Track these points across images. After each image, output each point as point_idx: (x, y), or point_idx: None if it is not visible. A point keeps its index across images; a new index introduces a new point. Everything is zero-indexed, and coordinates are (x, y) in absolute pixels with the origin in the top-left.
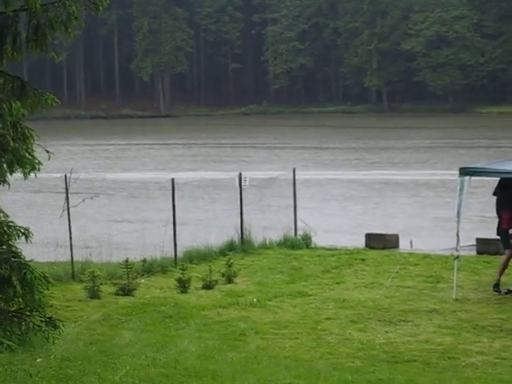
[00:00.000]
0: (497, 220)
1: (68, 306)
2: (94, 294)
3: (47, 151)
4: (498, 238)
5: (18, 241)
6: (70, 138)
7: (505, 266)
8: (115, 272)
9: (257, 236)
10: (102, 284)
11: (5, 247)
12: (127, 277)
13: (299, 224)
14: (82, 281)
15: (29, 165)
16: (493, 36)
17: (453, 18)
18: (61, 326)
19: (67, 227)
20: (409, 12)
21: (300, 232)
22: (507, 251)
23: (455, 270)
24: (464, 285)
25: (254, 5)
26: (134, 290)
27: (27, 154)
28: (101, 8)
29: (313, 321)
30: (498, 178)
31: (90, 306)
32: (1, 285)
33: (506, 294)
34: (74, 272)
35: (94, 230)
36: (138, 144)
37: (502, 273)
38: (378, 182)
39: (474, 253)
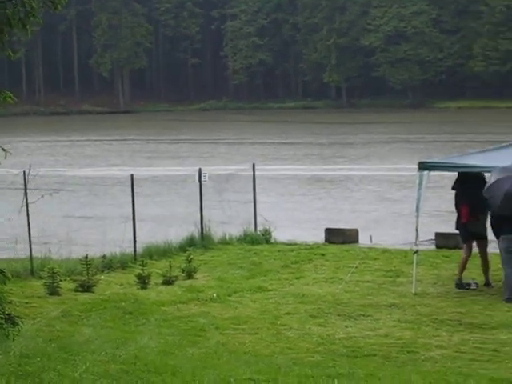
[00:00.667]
0: (455, 214)
1: (27, 303)
2: (53, 291)
3: (3, 149)
4: (457, 232)
5: None
6: (28, 134)
7: (464, 265)
8: (75, 268)
9: (217, 231)
10: (61, 280)
11: None
12: (87, 273)
13: (259, 219)
14: (41, 277)
15: None
16: (451, 31)
17: (411, 14)
18: (20, 322)
19: (26, 223)
20: (367, 7)
21: (260, 227)
22: (464, 249)
23: (414, 264)
24: (423, 279)
25: (213, 0)
26: (94, 286)
27: None
28: (59, 6)
29: (273, 316)
30: (457, 173)
31: (50, 303)
32: None
33: (474, 288)
34: (33, 268)
35: (54, 226)
36: (96, 140)
37: (462, 271)
38: (337, 177)
39: (433, 247)
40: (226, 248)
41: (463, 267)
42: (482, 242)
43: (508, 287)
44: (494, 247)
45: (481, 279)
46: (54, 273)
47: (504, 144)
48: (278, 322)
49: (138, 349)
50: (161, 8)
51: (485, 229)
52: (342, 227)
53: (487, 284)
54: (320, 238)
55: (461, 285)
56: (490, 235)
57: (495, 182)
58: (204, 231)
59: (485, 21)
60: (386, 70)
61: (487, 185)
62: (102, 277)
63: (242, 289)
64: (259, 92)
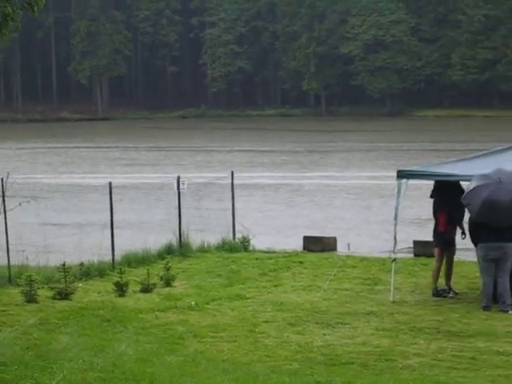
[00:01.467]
0: (433, 222)
1: (4, 311)
2: (30, 298)
3: None
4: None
5: None
6: (5, 141)
7: (438, 273)
8: (52, 276)
9: (195, 239)
10: (39, 288)
11: None
12: (64, 281)
13: (237, 227)
14: (18, 285)
15: None
16: (430, 40)
17: (390, 22)
18: None
19: (3, 230)
20: (346, 16)
21: (238, 235)
22: (437, 257)
23: (392, 272)
24: (401, 287)
25: (192, 8)
26: (72, 293)
27: None
28: (36, 9)
29: (251, 324)
30: (435, 181)
31: (27, 311)
32: None
33: (452, 297)
34: (10, 276)
35: (31, 233)
36: (74, 147)
37: (436, 280)
38: (316, 185)
39: (411, 255)
40: (204, 256)
41: (437, 275)
42: (452, 248)
43: (486, 295)
44: (473, 255)
45: (458, 287)
46: (31, 280)
47: (481, 153)
48: (256, 330)
49: (115, 356)
50: (140, 15)
51: (455, 236)
52: (320, 235)
53: (449, 290)
54: (298, 245)
55: (437, 293)
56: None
57: (474, 188)
58: (182, 239)
59: (463, 30)
60: (365, 78)
61: (466, 191)
62: (80, 284)
63: (220, 297)
64: (238, 100)
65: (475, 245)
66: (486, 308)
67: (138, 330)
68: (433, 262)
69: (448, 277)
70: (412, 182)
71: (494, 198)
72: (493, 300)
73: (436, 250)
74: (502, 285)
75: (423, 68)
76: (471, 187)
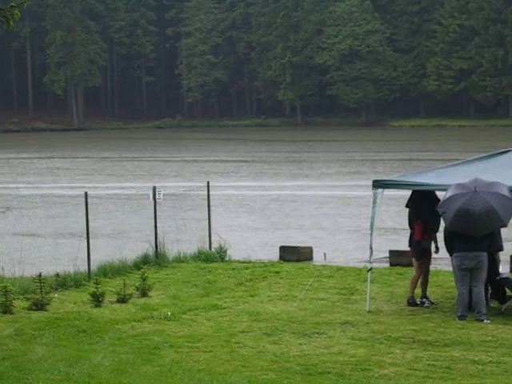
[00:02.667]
0: (409, 232)
1: None
2: (6, 309)
3: None
4: (410, 250)
5: None
6: None
7: (416, 283)
8: (28, 287)
9: (171, 249)
10: (14, 299)
11: None
12: (40, 291)
13: (214, 237)
14: None
15: None
16: (405, 50)
17: (365, 32)
18: None
19: None
20: (322, 26)
21: (215, 245)
22: (416, 267)
23: (368, 282)
24: (377, 297)
25: (167, 18)
26: (48, 304)
27: None
28: (11, 22)
29: (227, 334)
30: (411, 191)
31: (3, 321)
32: None
33: (428, 306)
34: None
35: (7, 244)
36: (49, 157)
37: (414, 289)
38: (292, 195)
39: (387, 265)
40: (180, 266)
41: (415, 285)
42: (428, 258)
43: (461, 305)
44: (449, 264)
45: (435, 296)
46: (7, 291)
47: (457, 162)
48: (233, 340)
49: (91, 367)
50: (115, 26)
51: (431, 245)
52: (296, 245)
53: (425, 299)
54: (274, 255)
55: (413, 302)
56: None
57: (449, 197)
58: (158, 249)
59: (438, 40)
60: (341, 88)
61: (441, 200)
62: (56, 295)
63: (197, 307)
64: (214, 110)
65: (450, 254)
66: (462, 317)
67: (114, 340)
68: (408, 272)
69: (424, 286)
70: (388, 191)
71: (469, 208)
72: (468, 309)
73: (414, 260)
74: (477, 294)
75: (398, 78)
76: (447, 196)
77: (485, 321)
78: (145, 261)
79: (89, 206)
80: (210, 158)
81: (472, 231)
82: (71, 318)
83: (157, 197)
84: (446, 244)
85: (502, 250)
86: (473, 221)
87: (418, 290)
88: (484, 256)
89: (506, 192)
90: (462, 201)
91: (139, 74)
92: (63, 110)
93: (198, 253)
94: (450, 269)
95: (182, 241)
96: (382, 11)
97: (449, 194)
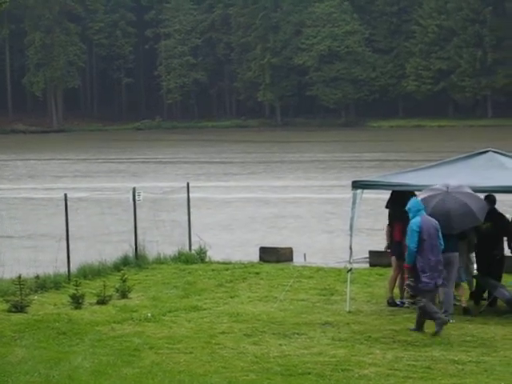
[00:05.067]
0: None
1: None
2: None
3: None
4: (389, 250)
5: None
6: None
7: (394, 283)
8: (8, 289)
9: (151, 251)
10: None
11: None
12: (20, 293)
13: (194, 239)
14: None
15: None
16: (384, 51)
17: (344, 33)
18: None
19: None
20: (301, 27)
21: (195, 246)
22: (394, 267)
23: (348, 282)
24: (357, 297)
25: (146, 20)
26: (27, 306)
27: None
28: None
29: (207, 335)
30: (390, 191)
31: None
32: None
33: (408, 306)
34: None
35: None
36: (27, 159)
37: (392, 289)
38: (269, 197)
39: (366, 265)
40: (160, 267)
41: (393, 285)
42: None
43: (446, 304)
44: None
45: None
46: None
47: (436, 162)
48: (213, 341)
49: (71, 369)
50: (94, 27)
51: None
52: (275, 246)
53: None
54: (254, 256)
55: (393, 303)
56: None
57: (422, 199)
58: (138, 251)
59: (417, 40)
60: (320, 88)
61: None
62: (36, 297)
63: (177, 308)
64: (193, 111)
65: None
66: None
67: (94, 342)
68: (388, 272)
69: (402, 287)
70: (367, 191)
71: (443, 207)
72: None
73: (393, 260)
74: (446, 294)
75: (378, 78)
76: (420, 199)
77: (451, 321)
78: (125, 262)
79: (68, 208)
80: (190, 160)
81: (449, 229)
82: (51, 319)
83: (136, 198)
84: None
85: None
86: (449, 219)
87: (397, 290)
88: (456, 256)
89: (473, 193)
90: (436, 200)
91: (118, 76)
92: (42, 112)
93: (178, 254)
94: None
95: (161, 242)
96: (361, 12)
97: (421, 196)
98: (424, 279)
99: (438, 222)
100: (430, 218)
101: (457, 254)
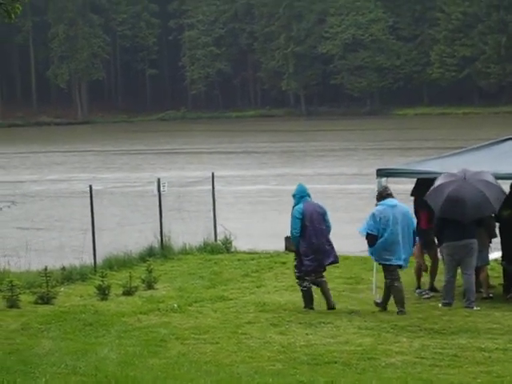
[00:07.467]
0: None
1: None
2: (12, 304)
3: None
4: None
5: None
6: None
7: (421, 271)
8: (34, 281)
9: (177, 241)
10: (20, 293)
11: None
12: (46, 285)
13: (219, 229)
14: (0, 290)
15: None
16: (408, 38)
17: (368, 21)
18: None
19: None
20: (324, 15)
21: (220, 236)
22: (417, 253)
23: (374, 271)
24: (383, 286)
25: (170, 10)
26: (54, 298)
27: None
28: (13, 16)
29: (233, 325)
30: (415, 179)
31: (9, 316)
32: None
33: (428, 297)
34: None
35: (12, 238)
36: (53, 151)
37: (419, 278)
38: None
39: None
40: (186, 258)
41: (420, 273)
42: (433, 246)
43: (448, 292)
44: None
45: (440, 284)
46: (13, 285)
47: (461, 150)
48: (239, 331)
49: (98, 360)
50: (118, 19)
51: None
52: None
53: (432, 289)
54: (280, 246)
55: (420, 291)
56: None
57: (439, 185)
58: (164, 241)
59: (441, 27)
60: (344, 77)
61: (431, 189)
62: (62, 289)
63: (203, 298)
64: (218, 101)
65: (440, 243)
66: (447, 304)
67: (121, 333)
68: (413, 261)
69: (433, 275)
70: (392, 179)
71: (459, 194)
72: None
73: (416, 248)
74: (467, 281)
75: (402, 66)
76: (436, 185)
77: (474, 308)
78: (150, 253)
79: (94, 200)
80: (215, 150)
81: (463, 217)
82: (77, 311)
83: (161, 189)
84: (436, 233)
85: (495, 236)
86: (463, 206)
87: (425, 279)
88: (474, 243)
89: (492, 180)
90: (452, 187)
91: (142, 67)
92: (67, 104)
93: (204, 244)
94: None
95: (187, 233)
96: (385, 0)
97: (438, 182)
98: (306, 262)
99: (452, 210)
100: (313, 202)
101: (474, 240)
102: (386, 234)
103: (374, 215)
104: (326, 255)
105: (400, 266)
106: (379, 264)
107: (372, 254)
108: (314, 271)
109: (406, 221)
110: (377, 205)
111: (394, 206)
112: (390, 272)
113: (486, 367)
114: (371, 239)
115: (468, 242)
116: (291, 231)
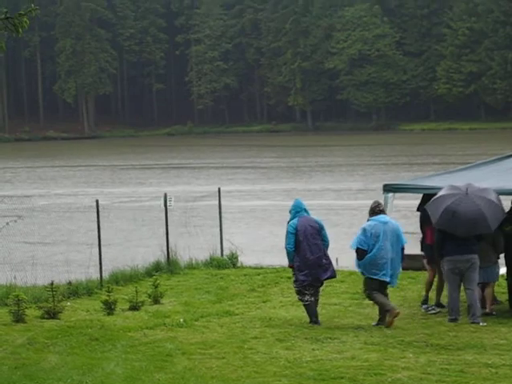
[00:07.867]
0: (421, 236)
1: None
2: (18, 318)
3: None
4: (423, 253)
5: None
6: None
7: (430, 286)
8: (40, 295)
9: (183, 256)
10: (26, 308)
11: None
12: (53, 300)
13: (225, 244)
14: (6, 305)
15: None
16: (414, 54)
17: (374, 37)
18: None
19: None
20: (331, 31)
21: (226, 251)
22: (429, 270)
23: None
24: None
25: (177, 25)
26: (60, 312)
27: None
28: (20, 30)
29: (240, 340)
30: (421, 194)
31: (15, 330)
32: None
33: (434, 313)
34: None
35: (19, 252)
36: (60, 166)
37: (428, 290)
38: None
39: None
40: (192, 273)
41: (430, 286)
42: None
43: (453, 308)
44: None
45: (446, 300)
46: (19, 300)
47: (467, 165)
48: (245, 346)
49: (104, 375)
50: (125, 34)
51: None
52: None
53: (439, 305)
54: (286, 261)
55: (425, 303)
56: None
57: (439, 197)
58: (170, 256)
59: (448, 43)
60: (351, 92)
61: (432, 199)
62: (68, 303)
63: (209, 313)
64: (224, 116)
65: (440, 257)
66: (453, 320)
67: (127, 348)
68: (420, 276)
69: (439, 291)
70: (398, 195)
71: (457, 208)
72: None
73: (425, 262)
74: (471, 296)
75: (409, 82)
76: (437, 196)
77: (480, 323)
78: (157, 268)
79: (101, 214)
80: (220, 165)
81: (457, 231)
82: (84, 326)
83: (168, 204)
84: (436, 246)
85: (502, 252)
86: (458, 221)
87: (432, 294)
88: (476, 258)
89: (495, 199)
90: (451, 200)
91: (149, 82)
92: (74, 119)
93: (210, 259)
94: None
95: (193, 248)
96: (391, 15)
97: (440, 193)
98: (300, 277)
99: (448, 223)
100: (308, 217)
101: (475, 255)
102: (374, 250)
103: (364, 230)
104: (323, 270)
105: (387, 283)
106: (365, 277)
107: (359, 266)
108: (311, 286)
109: (395, 238)
110: (368, 220)
111: (385, 223)
112: (371, 285)
113: (493, 383)
114: (361, 253)
115: (469, 257)
116: (285, 246)
